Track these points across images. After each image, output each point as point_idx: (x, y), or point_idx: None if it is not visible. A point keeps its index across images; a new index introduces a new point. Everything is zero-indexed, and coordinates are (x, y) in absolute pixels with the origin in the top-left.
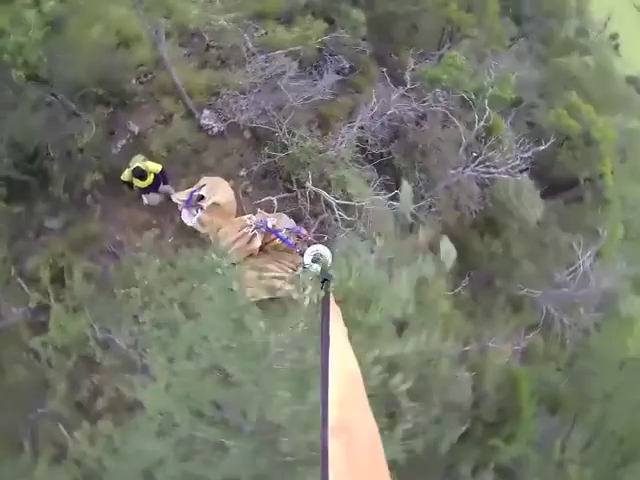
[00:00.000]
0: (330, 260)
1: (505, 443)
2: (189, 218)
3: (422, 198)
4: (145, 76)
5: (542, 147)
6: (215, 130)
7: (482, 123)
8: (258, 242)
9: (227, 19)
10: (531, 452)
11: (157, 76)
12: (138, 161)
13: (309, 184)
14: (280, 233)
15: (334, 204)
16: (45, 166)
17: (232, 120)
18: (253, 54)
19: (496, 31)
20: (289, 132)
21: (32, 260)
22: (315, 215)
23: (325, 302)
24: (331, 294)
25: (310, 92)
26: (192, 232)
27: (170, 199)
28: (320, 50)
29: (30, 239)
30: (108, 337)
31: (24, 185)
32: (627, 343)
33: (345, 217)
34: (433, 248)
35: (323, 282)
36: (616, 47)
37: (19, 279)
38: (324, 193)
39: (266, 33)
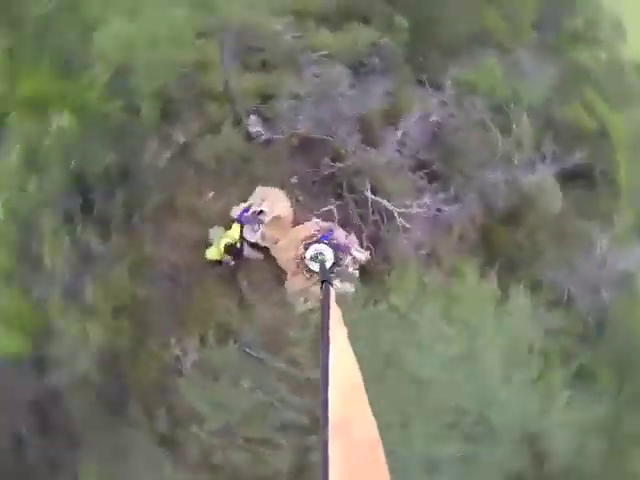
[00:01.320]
0: (331, 258)
1: None
2: (251, 234)
3: (456, 199)
4: (185, 79)
5: (575, 156)
6: (263, 138)
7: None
8: None
9: (269, 19)
10: None
11: (198, 80)
12: (219, 235)
13: (368, 193)
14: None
15: (396, 213)
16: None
17: (291, 130)
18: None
19: (524, 38)
20: (343, 141)
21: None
22: (364, 220)
23: (325, 302)
24: (332, 294)
25: (362, 102)
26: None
27: None
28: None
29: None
30: None
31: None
32: None
33: (406, 225)
34: (463, 239)
35: (322, 283)
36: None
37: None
38: (386, 202)
39: (300, 36)
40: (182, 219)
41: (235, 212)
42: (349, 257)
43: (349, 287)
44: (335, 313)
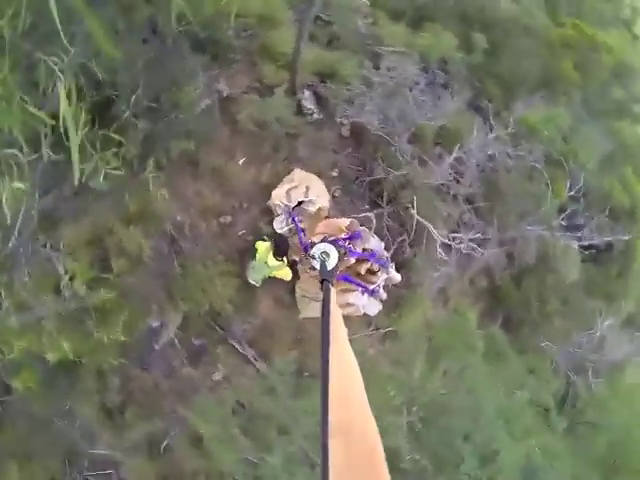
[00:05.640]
0: (335, 261)
1: None
2: (282, 225)
3: (490, 243)
4: (245, 31)
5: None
6: (314, 117)
7: (574, 190)
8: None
9: None
10: None
11: (259, 35)
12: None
13: (414, 212)
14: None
15: (439, 241)
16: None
17: (350, 117)
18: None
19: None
20: (402, 147)
21: (68, 230)
22: (394, 238)
23: (325, 302)
24: (332, 293)
25: (432, 111)
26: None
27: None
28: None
29: (67, 199)
30: None
31: None
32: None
33: (444, 257)
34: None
35: (322, 282)
36: None
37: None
38: (430, 227)
39: (373, 23)
40: (203, 179)
41: (280, 198)
42: (385, 276)
43: (378, 307)
44: (335, 313)
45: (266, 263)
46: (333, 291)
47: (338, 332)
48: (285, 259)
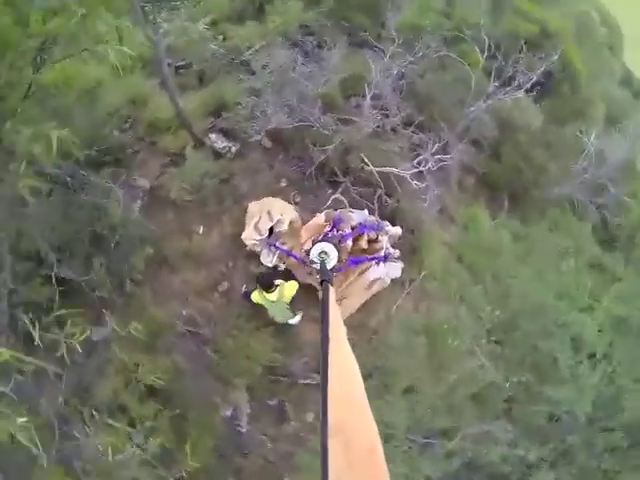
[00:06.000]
0: (334, 259)
1: None
2: (269, 258)
3: (449, 146)
4: (126, 122)
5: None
6: (233, 150)
7: (485, 52)
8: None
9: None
10: None
11: (139, 116)
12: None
13: (371, 167)
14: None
15: (408, 176)
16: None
17: (262, 128)
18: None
19: None
20: (322, 122)
21: (102, 387)
22: (370, 198)
23: (324, 302)
24: (331, 293)
25: (322, 77)
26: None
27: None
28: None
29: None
30: None
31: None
32: None
33: (420, 185)
34: (461, 185)
35: (321, 283)
36: None
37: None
38: (392, 169)
39: (224, 39)
40: (180, 267)
41: (251, 236)
42: (386, 236)
43: (399, 267)
44: (334, 312)
45: (272, 302)
46: (332, 290)
47: (337, 332)
48: (279, 281)
